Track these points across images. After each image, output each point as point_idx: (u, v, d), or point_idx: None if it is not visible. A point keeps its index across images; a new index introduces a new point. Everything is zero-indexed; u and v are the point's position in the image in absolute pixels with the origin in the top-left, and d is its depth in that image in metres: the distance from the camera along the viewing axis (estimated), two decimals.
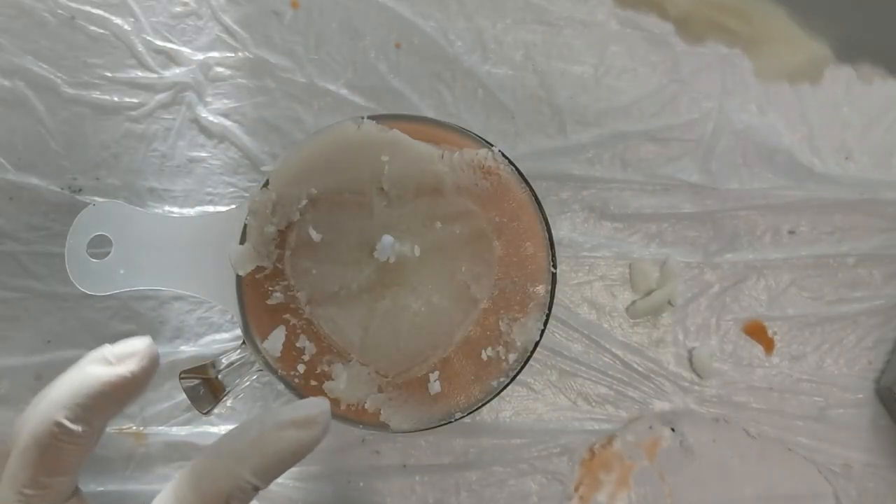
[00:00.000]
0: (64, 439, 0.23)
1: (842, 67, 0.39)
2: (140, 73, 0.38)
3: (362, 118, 0.30)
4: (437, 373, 0.29)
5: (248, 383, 0.31)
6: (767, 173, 0.40)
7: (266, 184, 0.29)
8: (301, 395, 0.29)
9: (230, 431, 0.24)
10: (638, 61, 0.41)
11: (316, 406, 0.24)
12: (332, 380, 0.28)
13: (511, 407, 0.37)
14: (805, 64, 0.21)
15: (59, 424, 0.23)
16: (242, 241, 0.29)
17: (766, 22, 0.21)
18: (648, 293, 0.39)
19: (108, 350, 0.25)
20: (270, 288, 0.29)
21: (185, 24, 0.39)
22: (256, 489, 0.23)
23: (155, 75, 0.38)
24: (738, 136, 0.40)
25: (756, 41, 0.22)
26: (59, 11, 0.38)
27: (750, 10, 0.21)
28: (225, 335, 0.37)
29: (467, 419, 0.31)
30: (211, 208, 0.38)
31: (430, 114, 0.39)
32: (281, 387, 0.29)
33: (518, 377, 0.29)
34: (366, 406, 0.29)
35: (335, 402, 0.29)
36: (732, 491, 0.37)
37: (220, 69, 0.38)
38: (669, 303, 0.39)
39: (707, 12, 0.22)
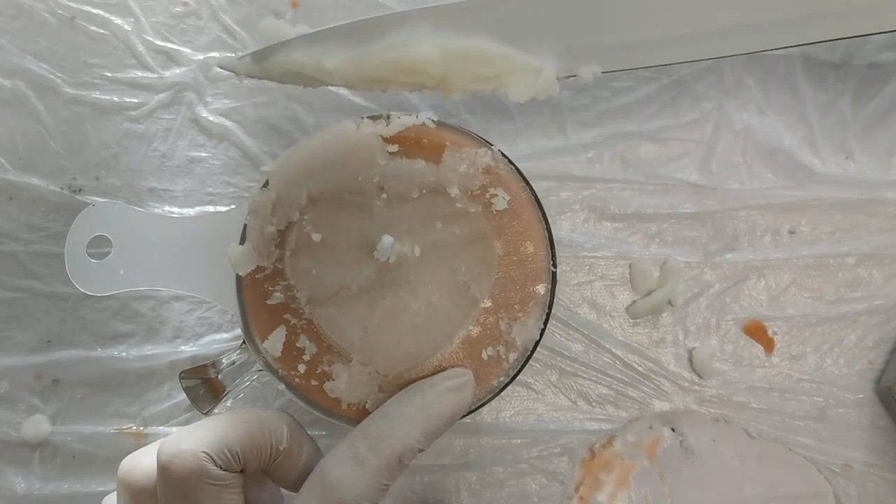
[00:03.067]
0: None
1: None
2: (140, 73, 0.38)
3: (362, 118, 0.30)
4: None
5: (248, 383, 0.31)
6: (767, 173, 0.40)
7: (266, 184, 0.29)
8: (301, 396, 0.29)
9: (393, 399, 0.27)
10: None
11: (464, 374, 0.28)
12: (333, 380, 0.28)
13: (511, 407, 0.37)
14: (541, 81, 0.27)
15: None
16: (242, 241, 0.29)
17: (503, 60, 0.27)
18: (648, 293, 0.39)
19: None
20: (270, 288, 0.29)
21: (185, 24, 0.39)
22: (421, 450, 0.26)
23: (155, 75, 0.38)
24: (738, 136, 0.40)
25: (502, 78, 0.27)
26: (59, 11, 0.38)
27: (489, 55, 0.26)
28: (225, 335, 0.37)
29: (467, 419, 0.31)
30: (211, 208, 0.38)
31: (430, 114, 0.39)
32: (281, 387, 0.29)
33: (518, 377, 0.29)
34: (367, 406, 0.29)
35: (335, 402, 0.29)
36: (732, 491, 0.37)
37: (220, 69, 0.38)
38: (669, 303, 0.39)
39: (458, 68, 0.26)
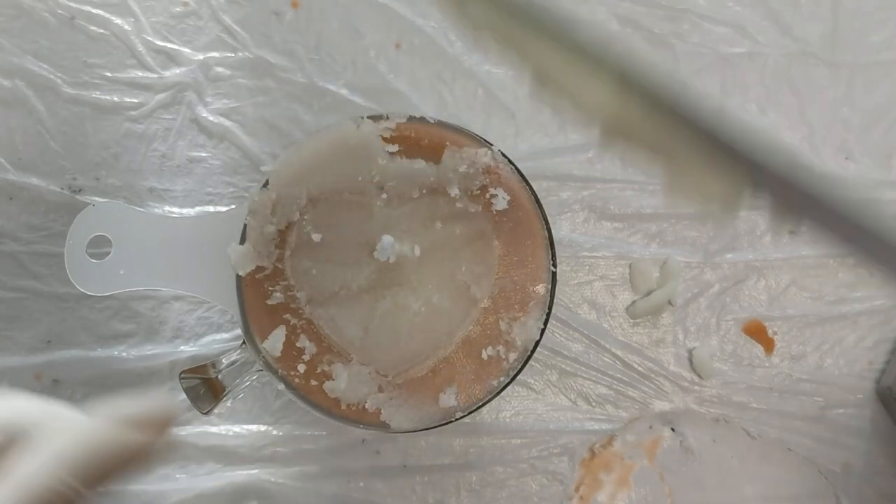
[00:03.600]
0: None
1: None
2: (140, 73, 0.38)
3: (362, 118, 0.30)
4: (454, 387, 0.29)
5: (248, 383, 0.31)
6: None
7: (266, 184, 0.29)
8: (301, 396, 0.29)
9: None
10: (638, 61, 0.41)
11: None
12: (333, 380, 0.28)
13: (511, 407, 0.37)
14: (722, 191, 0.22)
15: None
16: (242, 241, 0.29)
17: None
18: (648, 293, 0.39)
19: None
20: (270, 288, 0.29)
21: (185, 24, 0.39)
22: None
23: (155, 75, 0.38)
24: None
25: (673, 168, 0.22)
26: (59, 11, 0.38)
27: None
28: (225, 335, 0.37)
29: (467, 419, 0.31)
30: (211, 208, 0.38)
31: (431, 114, 0.39)
32: (281, 387, 0.29)
33: (518, 377, 0.29)
34: (366, 406, 0.29)
35: (335, 402, 0.29)
36: (732, 491, 0.37)
37: (220, 69, 0.38)
38: (669, 303, 0.39)
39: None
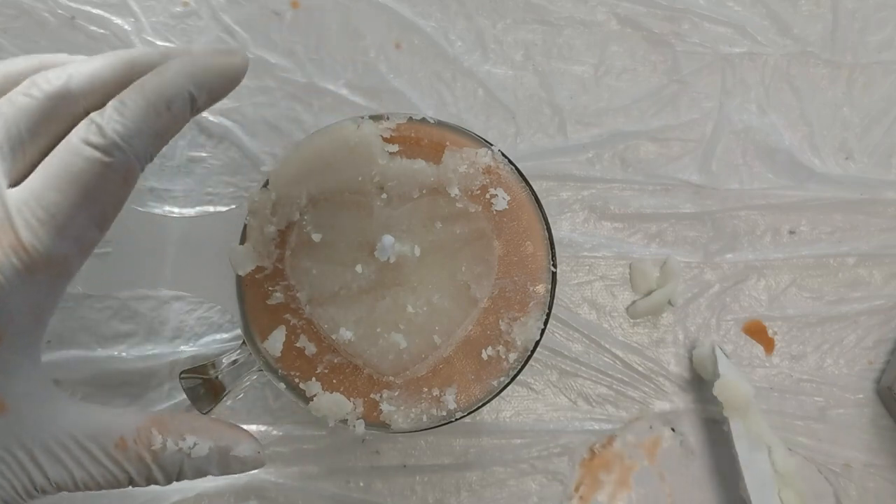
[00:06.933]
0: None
1: (842, 68, 0.39)
2: None
3: (362, 118, 0.30)
4: (454, 387, 0.29)
5: (248, 383, 0.31)
6: (767, 173, 0.40)
7: (266, 184, 0.29)
8: (302, 396, 0.29)
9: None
10: (638, 61, 0.41)
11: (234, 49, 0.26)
12: None
13: (511, 407, 0.37)
14: None
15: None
16: (242, 241, 0.29)
17: None
18: (648, 293, 0.39)
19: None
20: (270, 288, 0.29)
21: (185, 24, 0.39)
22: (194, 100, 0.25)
23: None
24: (738, 136, 0.40)
25: None
26: (59, 11, 0.38)
27: None
28: (225, 335, 0.37)
29: (467, 419, 0.31)
30: (211, 208, 0.38)
31: (431, 114, 0.39)
32: (281, 387, 0.29)
33: (518, 377, 0.29)
34: None
35: None
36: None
37: None
38: (669, 303, 0.39)
39: None
